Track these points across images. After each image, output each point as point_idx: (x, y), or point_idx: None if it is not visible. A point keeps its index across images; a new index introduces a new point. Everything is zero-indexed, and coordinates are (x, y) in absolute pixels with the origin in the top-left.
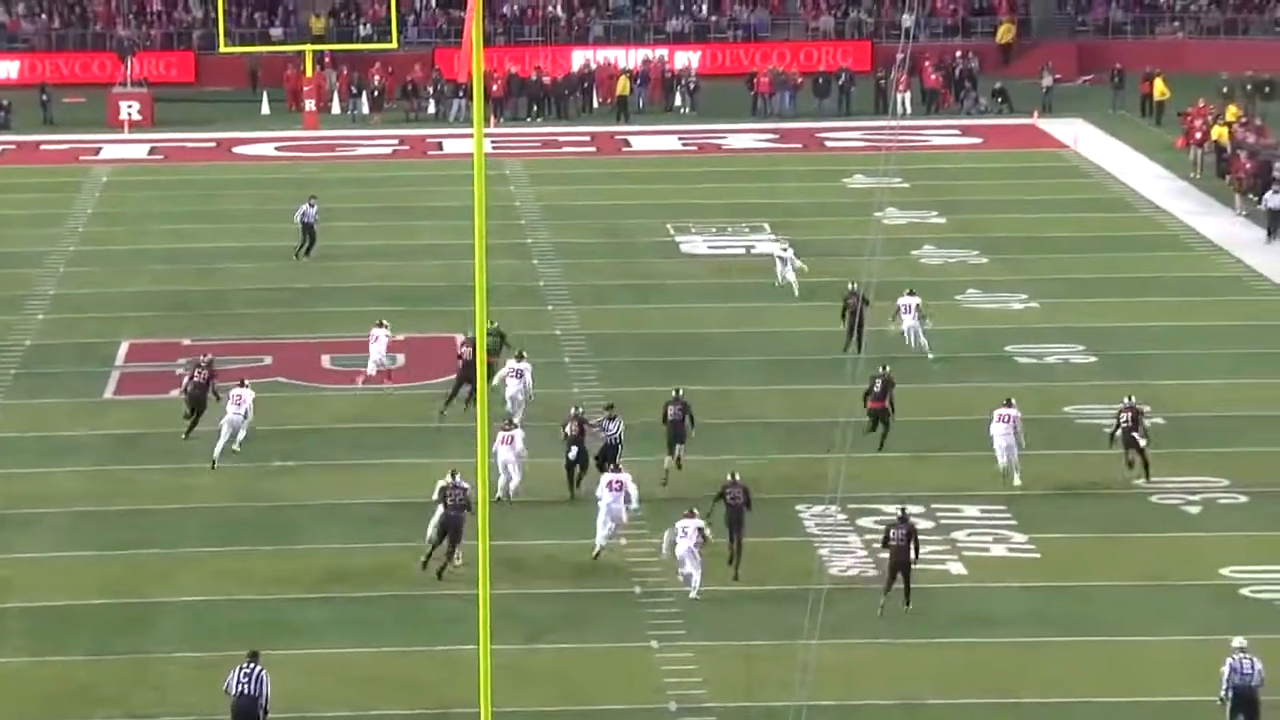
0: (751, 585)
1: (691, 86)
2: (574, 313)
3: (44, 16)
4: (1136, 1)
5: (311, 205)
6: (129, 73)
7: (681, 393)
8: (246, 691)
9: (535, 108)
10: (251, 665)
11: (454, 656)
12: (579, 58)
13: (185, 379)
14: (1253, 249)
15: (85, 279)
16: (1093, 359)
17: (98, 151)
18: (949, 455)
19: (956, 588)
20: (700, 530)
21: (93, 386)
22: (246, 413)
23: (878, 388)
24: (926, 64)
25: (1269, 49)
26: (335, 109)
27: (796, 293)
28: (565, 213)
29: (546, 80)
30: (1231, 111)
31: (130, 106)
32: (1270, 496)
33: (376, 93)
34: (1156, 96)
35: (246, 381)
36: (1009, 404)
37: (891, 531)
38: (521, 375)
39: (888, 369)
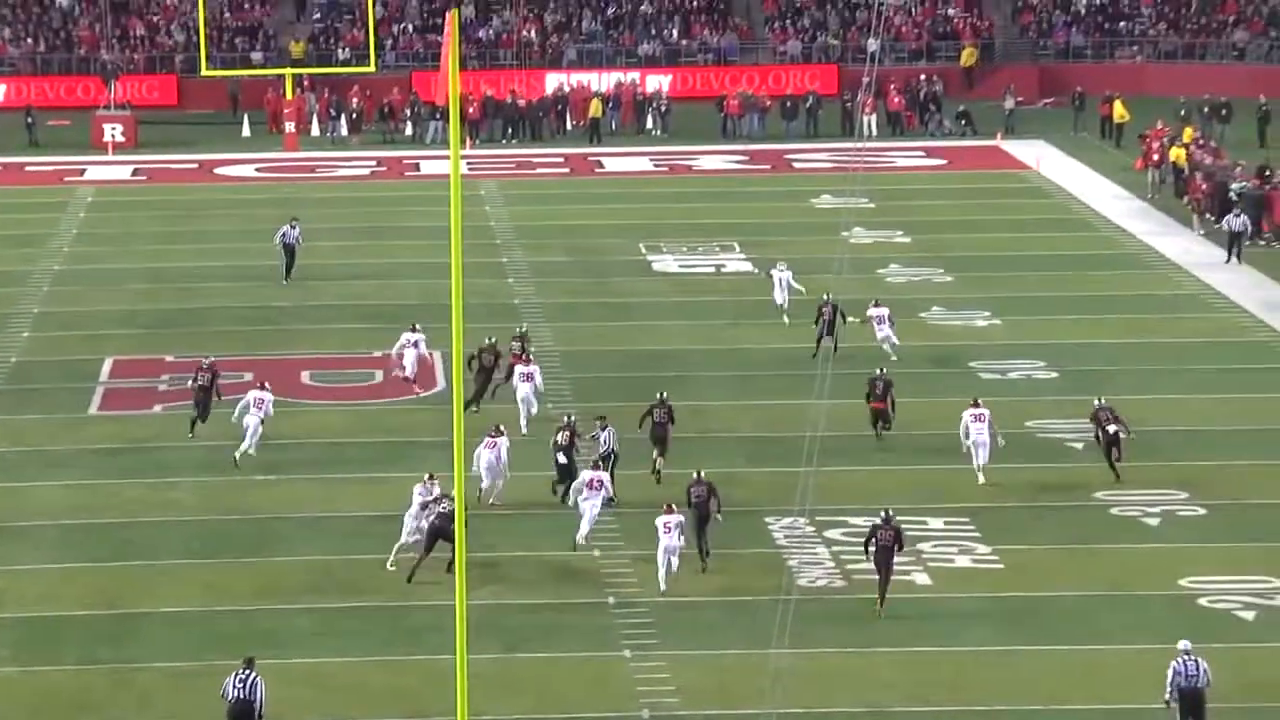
0: (722, 595)
1: (662, 109)
2: (548, 330)
3: (29, 41)
4: (1097, 26)
5: (293, 227)
6: (113, 96)
7: (666, 396)
8: (243, 696)
9: (510, 130)
10: (247, 672)
11: (433, 666)
12: (553, 81)
13: (191, 381)
14: (1211, 268)
15: (70, 297)
16: (1054, 375)
17: (82, 173)
18: (914, 468)
19: (922, 598)
20: (680, 525)
21: (77, 402)
22: (266, 415)
23: (879, 389)
24: (892, 87)
25: (1225, 73)
26: (314, 131)
27: (787, 321)
28: (539, 232)
29: (521, 103)
30: (1187, 133)
31: (114, 129)
32: (1227, 509)
33: (355, 115)
34: (1116, 119)
35: (267, 385)
36: (977, 404)
37: (878, 533)
38: (531, 378)
39: (885, 371)
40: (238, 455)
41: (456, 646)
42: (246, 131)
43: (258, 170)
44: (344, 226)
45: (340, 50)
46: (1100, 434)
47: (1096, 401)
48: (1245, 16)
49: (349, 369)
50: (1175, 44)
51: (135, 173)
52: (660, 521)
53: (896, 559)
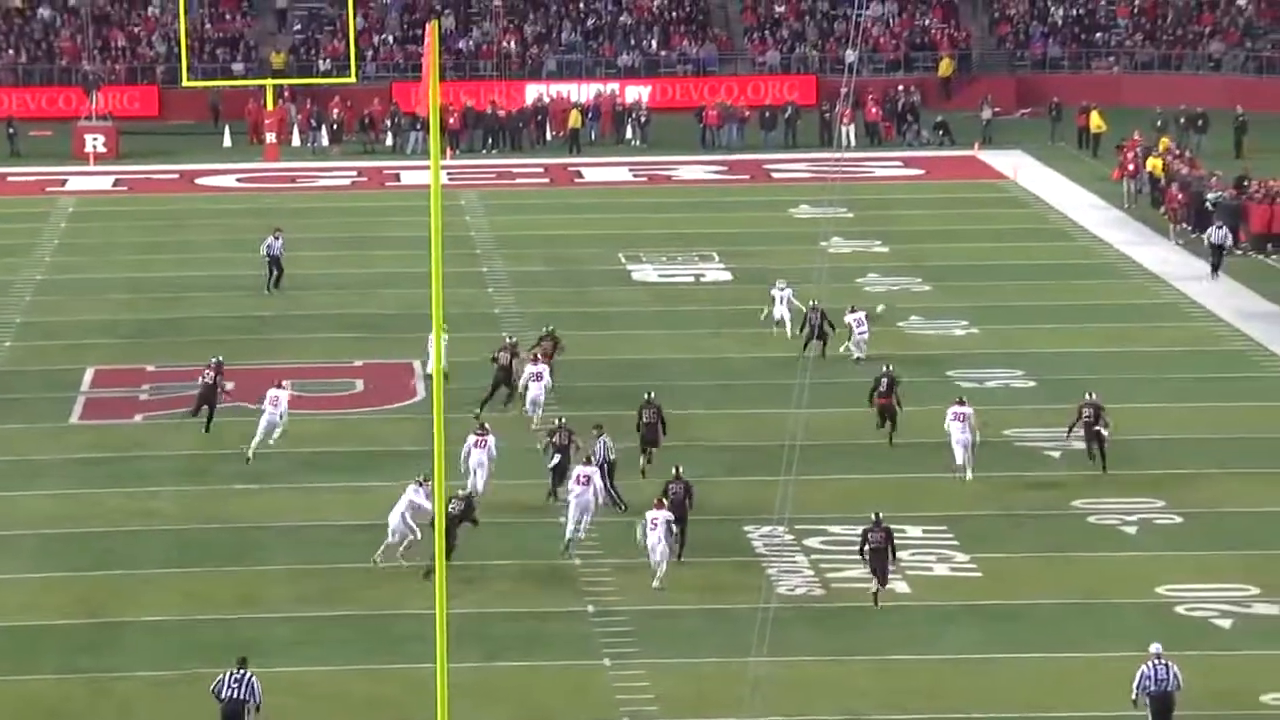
0: (701, 604)
1: (642, 120)
2: (530, 339)
3: (11, 52)
4: (1073, 37)
5: (276, 238)
6: (94, 106)
7: (654, 396)
8: (236, 696)
9: (490, 140)
10: (242, 671)
11: (414, 674)
12: (532, 92)
13: (199, 378)
14: (1187, 277)
15: (51, 307)
16: (1032, 384)
17: (64, 183)
18: (892, 477)
19: (901, 606)
20: (669, 522)
21: (59, 412)
22: (283, 413)
23: (883, 386)
24: (870, 98)
25: (1202, 84)
26: (295, 141)
27: (790, 334)
28: (519, 242)
29: (501, 114)
30: (1163, 143)
31: (95, 139)
32: (1204, 517)
33: (335, 126)
34: (1093, 129)
35: (284, 383)
36: (962, 402)
37: (869, 535)
38: (541, 377)
39: (891, 367)
40: (250, 452)
41: (437, 655)
42: (228, 142)
43: (239, 181)
44: (325, 237)
45: (321, 61)
46: (1083, 425)
47: (1087, 395)
48: (1221, 28)
49: (330, 378)
50: (1151, 55)
51: (116, 183)
52: (649, 517)
53: (897, 555)
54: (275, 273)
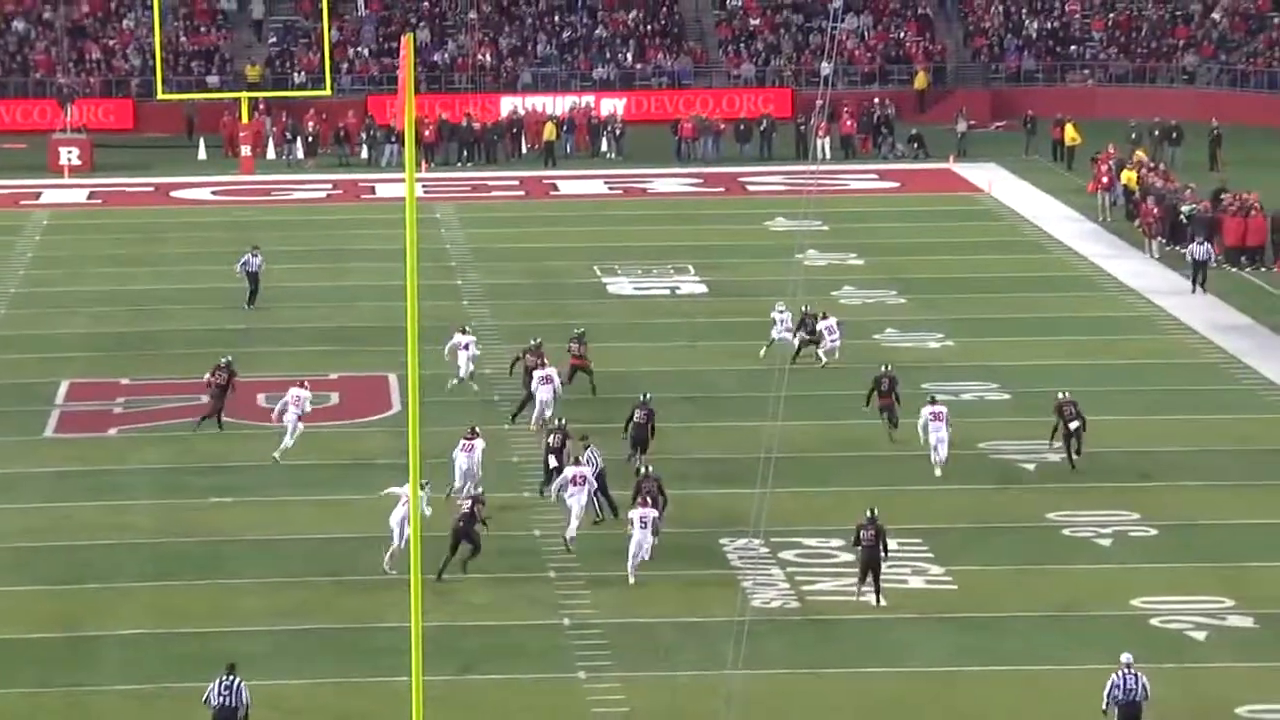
0: (676, 617)
1: (617, 132)
2: (504, 352)
3: None
4: (1048, 50)
5: (254, 255)
6: (69, 119)
7: (649, 398)
8: (227, 702)
9: (465, 153)
10: (231, 678)
11: (389, 688)
12: (508, 104)
13: (208, 378)
14: (1162, 290)
15: (26, 320)
16: (1006, 396)
17: (38, 196)
18: (868, 490)
19: (876, 619)
20: (654, 520)
21: (33, 425)
22: (302, 412)
23: (884, 385)
24: (845, 111)
25: (1176, 96)
26: (270, 154)
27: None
28: (494, 255)
29: (476, 126)
30: (1138, 155)
31: (70, 152)
32: (1178, 529)
33: (310, 138)
34: (1067, 142)
35: (306, 383)
36: (934, 401)
37: (861, 532)
38: (550, 380)
39: (890, 368)
40: (278, 454)
41: (412, 668)
42: (202, 155)
43: (214, 193)
44: (300, 249)
45: (296, 74)
46: (1062, 426)
47: (1060, 395)
48: (1195, 41)
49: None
50: (1126, 68)
51: (91, 196)
52: (635, 515)
53: (889, 551)
54: (253, 289)
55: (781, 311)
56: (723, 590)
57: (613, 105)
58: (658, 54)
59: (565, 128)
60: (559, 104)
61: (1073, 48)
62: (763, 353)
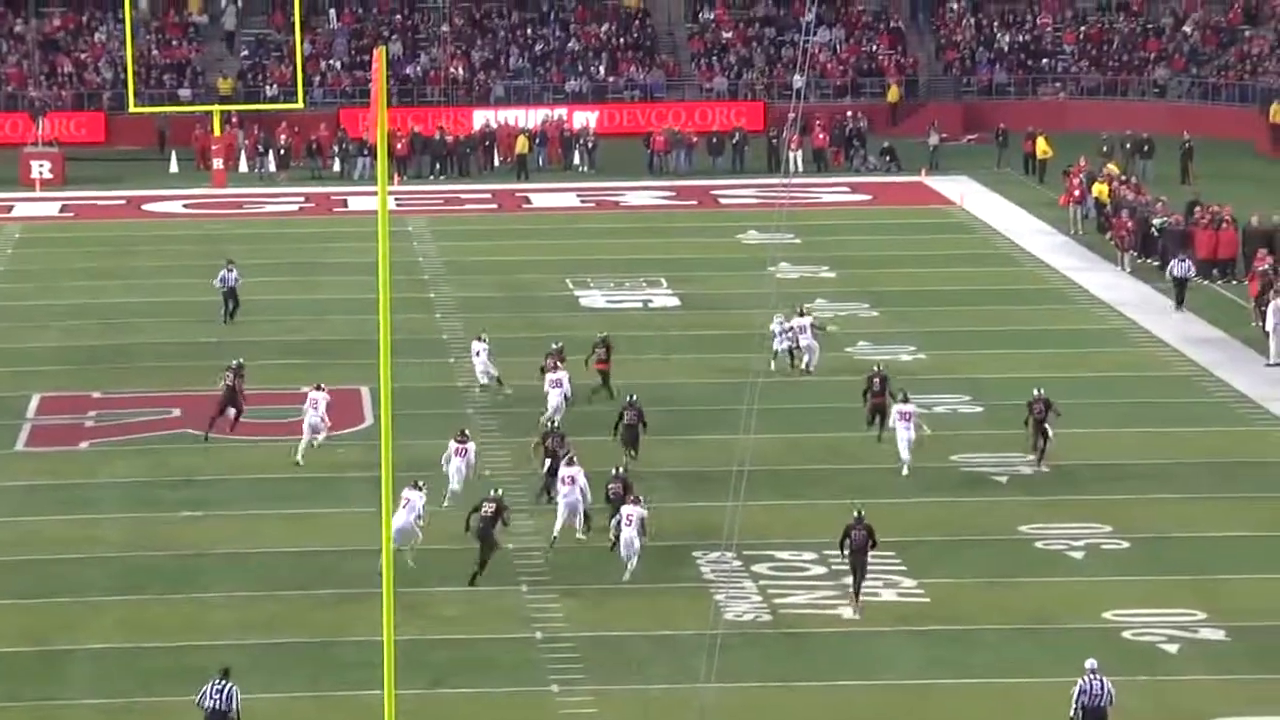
0: (649, 630)
1: (590, 145)
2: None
3: None
4: (1019, 63)
5: (230, 270)
6: (40, 132)
7: (635, 399)
8: (218, 706)
9: (438, 166)
10: (223, 681)
11: (360, 701)
12: (480, 117)
13: (220, 381)
14: (1133, 303)
15: None
16: (979, 409)
17: (10, 209)
18: (841, 503)
19: (848, 631)
20: (642, 519)
21: (4, 439)
22: (323, 416)
23: (876, 385)
24: (817, 124)
25: (1148, 110)
26: (243, 167)
27: (772, 366)
28: (467, 268)
29: (449, 139)
30: (1111, 168)
31: (42, 165)
32: (1151, 542)
33: (283, 151)
34: (1039, 155)
35: (323, 386)
36: (906, 400)
37: (852, 533)
38: (560, 384)
39: (882, 367)
40: (299, 457)
41: (384, 682)
42: (174, 168)
43: (186, 207)
44: (272, 262)
45: (268, 87)
46: (1031, 419)
47: (1035, 391)
48: (1167, 54)
49: (275, 405)
50: (1097, 81)
51: (63, 209)
52: (624, 512)
53: (876, 546)
54: (232, 304)
55: (782, 323)
56: (695, 603)
57: (585, 118)
58: (630, 67)
59: (538, 141)
60: (531, 117)
61: (1044, 61)
62: (772, 365)
